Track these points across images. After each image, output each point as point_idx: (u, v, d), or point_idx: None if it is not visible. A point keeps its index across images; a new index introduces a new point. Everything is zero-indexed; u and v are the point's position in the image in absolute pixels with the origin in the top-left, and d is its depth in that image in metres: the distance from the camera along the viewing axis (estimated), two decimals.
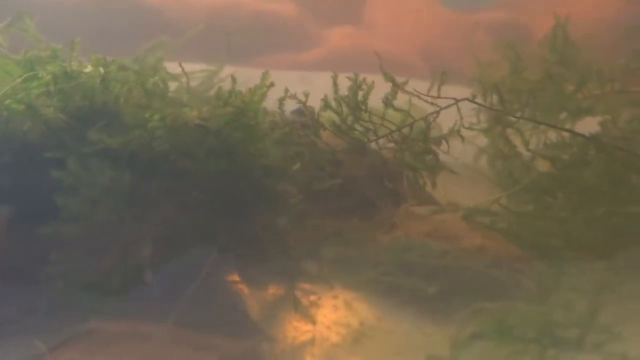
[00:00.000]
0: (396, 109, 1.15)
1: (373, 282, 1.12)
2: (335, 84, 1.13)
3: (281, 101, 1.12)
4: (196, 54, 1.50)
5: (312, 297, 1.09)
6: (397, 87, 1.11)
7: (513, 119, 1.17)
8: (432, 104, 1.12)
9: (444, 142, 1.25)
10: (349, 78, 1.16)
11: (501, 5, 2.05)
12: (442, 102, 1.20)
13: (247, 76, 1.21)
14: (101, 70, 1.00)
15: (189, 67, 1.25)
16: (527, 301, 1.04)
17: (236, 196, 1.00)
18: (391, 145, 1.18)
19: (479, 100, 1.19)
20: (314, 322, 1.02)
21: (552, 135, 1.34)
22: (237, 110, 0.95)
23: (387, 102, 1.14)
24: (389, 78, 1.12)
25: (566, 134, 1.22)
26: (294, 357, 0.98)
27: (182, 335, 0.94)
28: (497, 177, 1.32)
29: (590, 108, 1.34)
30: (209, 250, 0.99)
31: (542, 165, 1.23)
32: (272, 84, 0.98)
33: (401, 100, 1.24)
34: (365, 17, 2.06)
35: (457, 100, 1.13)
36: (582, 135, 1.15)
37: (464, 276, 1.13)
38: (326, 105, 1.12)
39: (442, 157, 1.33)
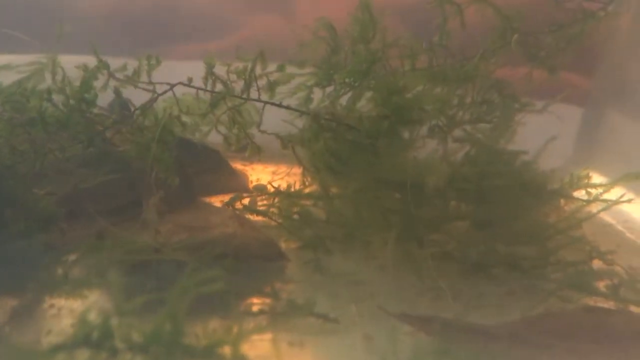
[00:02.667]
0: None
1: (95, 284, 1.07)
2: (56, 72, 1.12)
3: None
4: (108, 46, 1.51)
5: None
6: (110, 75, 1.11)
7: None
8: (147, 90, 1.11)
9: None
10: (77, 67, 1.16)
11: None
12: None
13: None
14: None
15: None
16: None
17: None
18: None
19: None
20: None
21: None
22: None
23: (117, 92, 1.14)
24: (104, 66, 1.12)
25: None
26: None
27: None
28: None
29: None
30: None
31: None
32: None
33: None
34: (294, 5, 2.02)
35: (172, 85, 1.12)
36: (306, 112, 1.12)
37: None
38: (42, 97, 1.12)
39: None
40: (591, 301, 1.14)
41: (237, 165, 1.66)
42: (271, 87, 1.12)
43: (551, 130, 1.47)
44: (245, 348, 0.86)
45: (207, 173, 1.55)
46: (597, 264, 1.29)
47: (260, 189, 1.42)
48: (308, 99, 1.43)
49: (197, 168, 1.51)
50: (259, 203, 1.37)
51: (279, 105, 1.14)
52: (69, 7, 1.96)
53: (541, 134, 1.46)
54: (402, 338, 0.96)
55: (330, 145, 1.09)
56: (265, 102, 1.13)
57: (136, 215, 1.28)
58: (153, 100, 1.12)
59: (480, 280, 1.24)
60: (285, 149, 1.14)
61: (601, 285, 1.20)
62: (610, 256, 1.30)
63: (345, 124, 1.07)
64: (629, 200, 1.28)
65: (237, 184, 1.53)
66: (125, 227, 1.25)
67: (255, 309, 1.06)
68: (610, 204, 1.30)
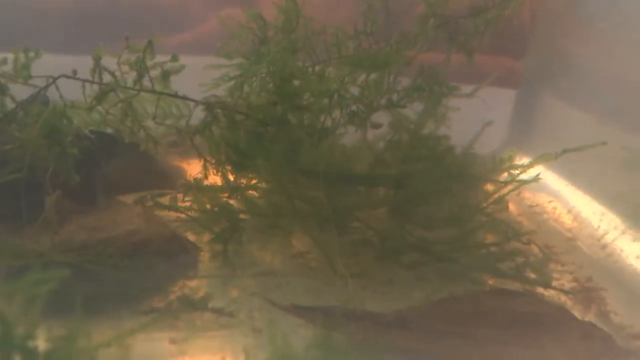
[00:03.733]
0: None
1: None
2: None
3: None
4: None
5: None
6: None
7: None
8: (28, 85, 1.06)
9: None
10: None
11: None
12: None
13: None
14: None
15: None
16: None
17: None
18: None
19: None
20: None
21: None
22: None
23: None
24: None
25: None
26: None
27: None
28: None
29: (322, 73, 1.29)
30: None
31: None
32: None
33: None
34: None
35: (54, 78, 1.07)
36: (195, 101, 1.08)
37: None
38: None
39: None
40: (500, 283, 1.12)
41: (173, 161, 1.61)
42: (164, 77, 1.08)
43: (488, 115, 1.46)
44: (122, 348, 0.82)
45: (130, 170, 1.50)
46: (517, 245, 1.27)
47: (186, 185, 1.37)
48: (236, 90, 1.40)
49: (119, 165, 1.46)
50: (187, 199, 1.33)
51: (172, 95, 1.10)
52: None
53: (479, 118, 1.45)
54: (295, 330, 0.93)
55: (226, 135, 1.05)
56: (159, 93, 1.08)
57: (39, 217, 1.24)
58: (35, 94, 1.07)
59: (393, 266, 1.21)
60: (184, 140, 1.10)
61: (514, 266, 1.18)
62: (529, 237, 1.29)
63: (239, 113, 1.03)
64: (538, 180, 1.26)
65: (164, 181, 1.48)
66: (26, 230, 1.21)
67: (150, 307, 1.02)
68: (520, 184, 1.28)
